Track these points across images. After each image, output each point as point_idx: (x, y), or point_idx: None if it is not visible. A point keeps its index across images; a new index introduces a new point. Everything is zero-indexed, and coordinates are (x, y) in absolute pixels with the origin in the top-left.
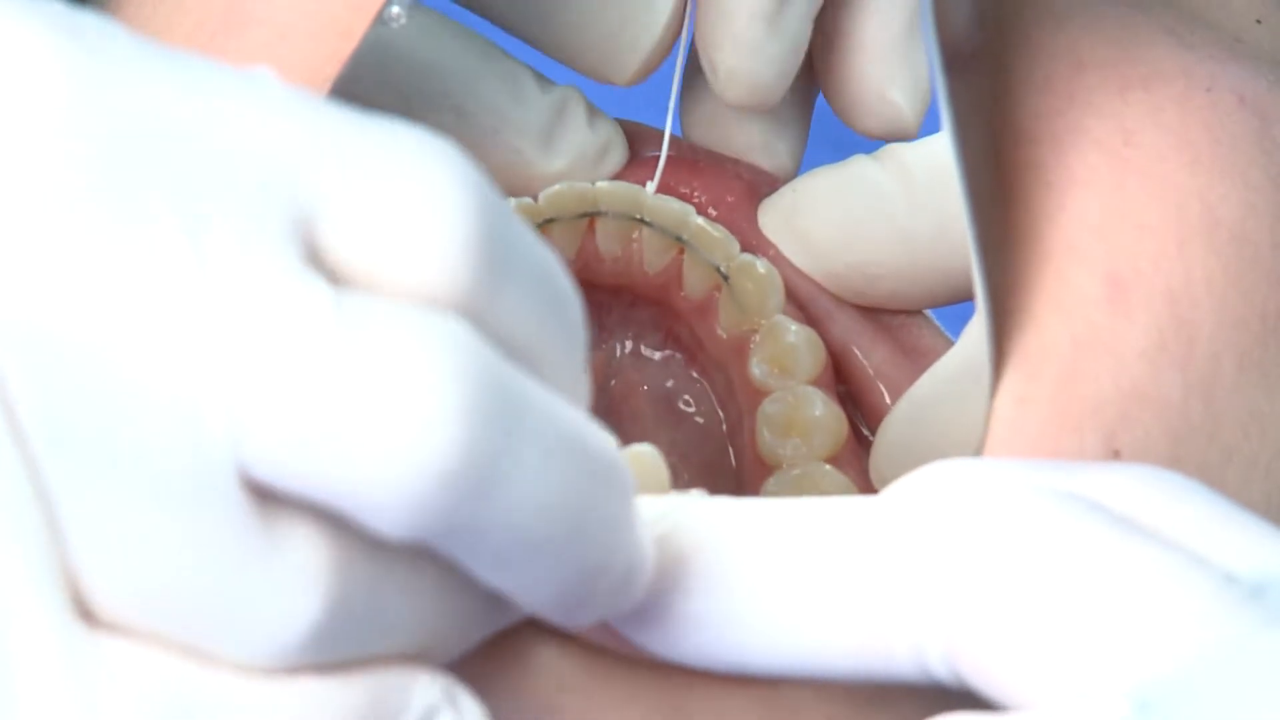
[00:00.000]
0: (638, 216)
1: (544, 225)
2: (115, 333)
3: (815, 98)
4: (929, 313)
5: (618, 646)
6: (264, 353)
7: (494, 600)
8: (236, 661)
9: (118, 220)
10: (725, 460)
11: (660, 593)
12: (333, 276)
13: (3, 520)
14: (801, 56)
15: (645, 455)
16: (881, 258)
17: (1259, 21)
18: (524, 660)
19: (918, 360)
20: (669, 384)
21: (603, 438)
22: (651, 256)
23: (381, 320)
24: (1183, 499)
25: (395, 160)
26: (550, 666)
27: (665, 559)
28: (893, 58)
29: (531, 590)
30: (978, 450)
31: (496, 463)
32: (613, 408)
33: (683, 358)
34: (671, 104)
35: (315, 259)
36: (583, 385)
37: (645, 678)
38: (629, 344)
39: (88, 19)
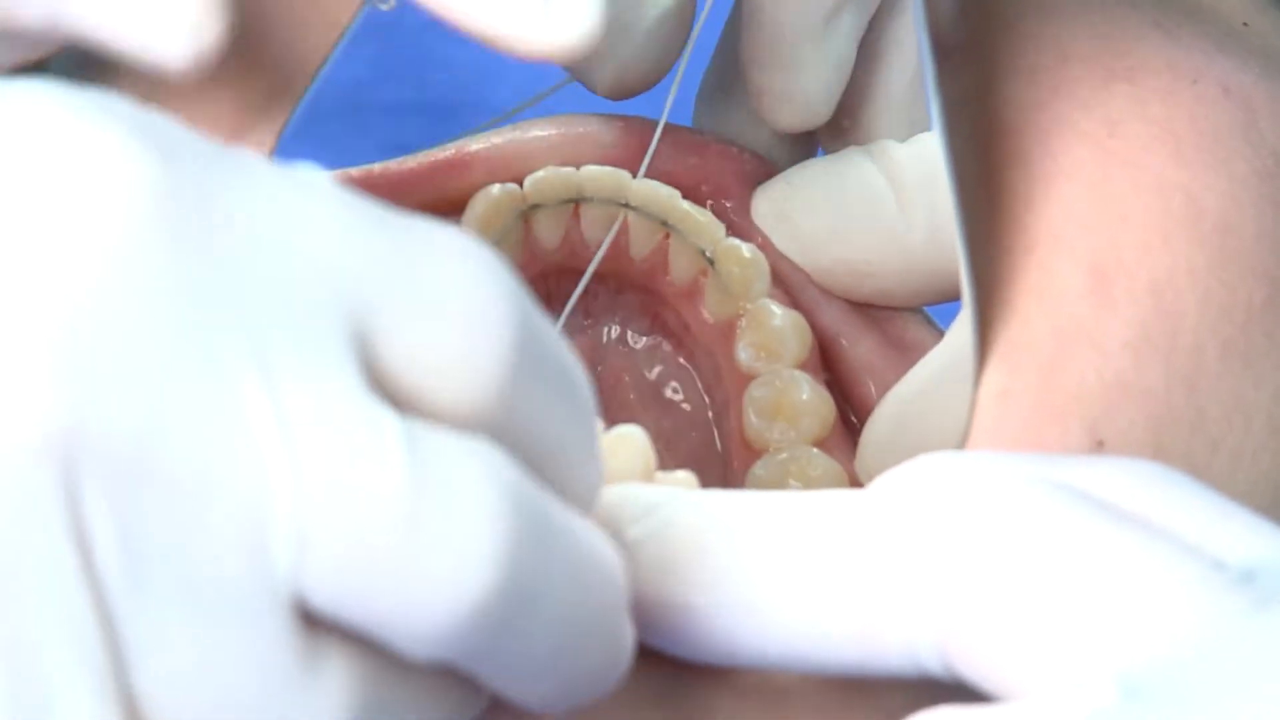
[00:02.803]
0: (623, 202)
1: (529, 211)
2: (193, 464)
3: None
4: None
5: None
6: (336, 488)
7: (479, 699)
8: None
9: (196, 350)
10: (712, 444)
11: (651, 584)
12: (385, 383)
13: (71, 648)
14: (846, 77)
15: (631, 437)
16: (870, 256)
17: (1245, 25)
18: None
19: (905, 352)
20: (656, 369)
21: (606, 543)
22: (637, 241)
23: (442, 456)
24: (1169, 489)
25: (441, 271)
26: None
27: (656, 551)
28: (898, 116)
29: (530, 693)
30: (961, 444)
31: (527, 593)
32: (600, 394)
33: (669, 343)
34: (671, 94)
35: (371, 369)
36: (597, 473)
37: (635, 663)
38: (615, 329)
39: (155, 120)
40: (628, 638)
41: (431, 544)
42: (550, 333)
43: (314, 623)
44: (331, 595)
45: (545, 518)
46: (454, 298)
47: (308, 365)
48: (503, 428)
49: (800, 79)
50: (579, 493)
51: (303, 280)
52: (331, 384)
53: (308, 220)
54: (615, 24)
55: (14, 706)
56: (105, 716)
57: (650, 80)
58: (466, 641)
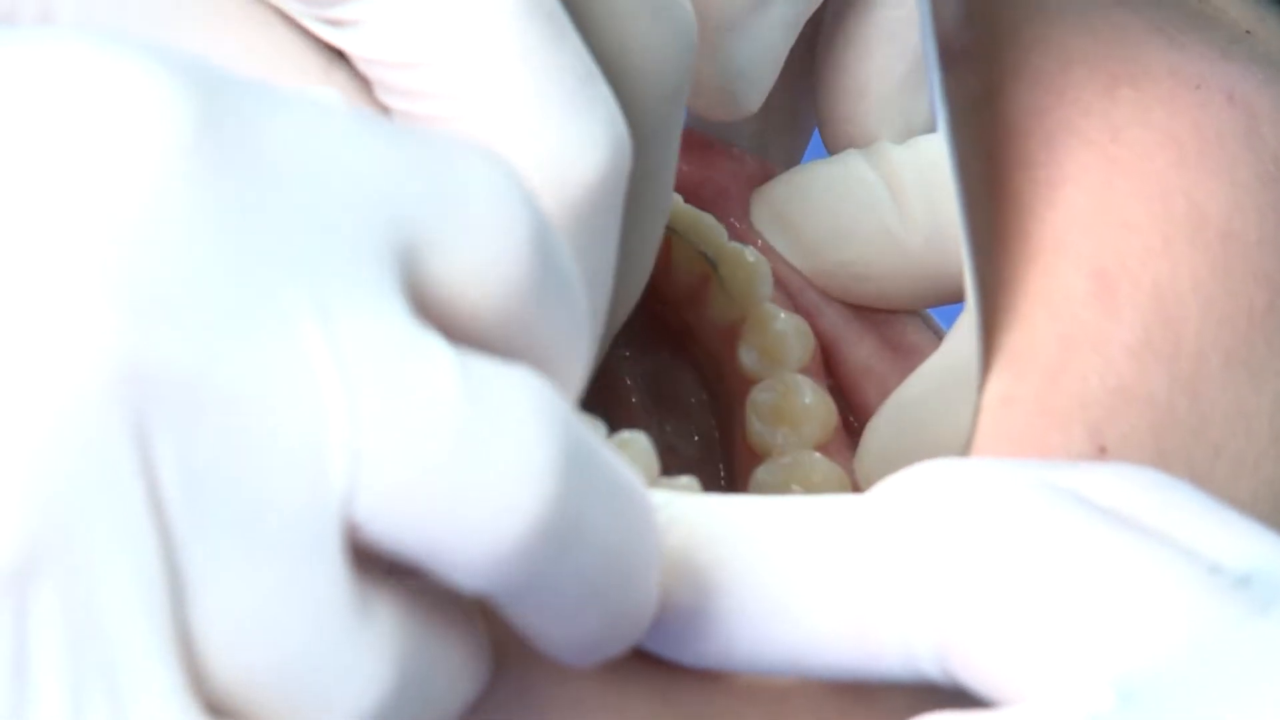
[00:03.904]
0: None
1: None
2: (251, 396)
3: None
4: None
5: None
6: (392, 415)
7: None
8: None
9: (248, 282)
10: (715, 449)
11: None
12: (425, 298)
13: (133, 581)
14: (774, 69)
15: (635, 443)
16: (868, 259)
17: (1248, 32)
18: (513, 647)
19: (905, 356)
20: (658, 373)
21: (637, 479)
22: None
23: (492, 381)
24: (1166, 494)
25: (469, 179)
26: (540, 655)
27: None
28: (891, 113)
29: (568, 634)
30: (965, 447)
31: (573, 517)
32: (602, 396)
33: (672, 347)
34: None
35: (413, 283)
36: (581, 380)
37: (633, 667)
38: (618, 332)
39: (188, 55)
40: (654, 584)
41: (489, 466)
42: (557, 235)
43: (365, 569)
44: (388, 524)
45: (585, 443)
46: (482, 202)
47: (359, 294)
48: (521, 330)
49: (713, 67)
50: (569, 383)
51: (346, 204)
52: (383, 312)
53: (343, 144)
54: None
55: (74, 646)
56: (164, 659)
57: None
58: (518, 568)
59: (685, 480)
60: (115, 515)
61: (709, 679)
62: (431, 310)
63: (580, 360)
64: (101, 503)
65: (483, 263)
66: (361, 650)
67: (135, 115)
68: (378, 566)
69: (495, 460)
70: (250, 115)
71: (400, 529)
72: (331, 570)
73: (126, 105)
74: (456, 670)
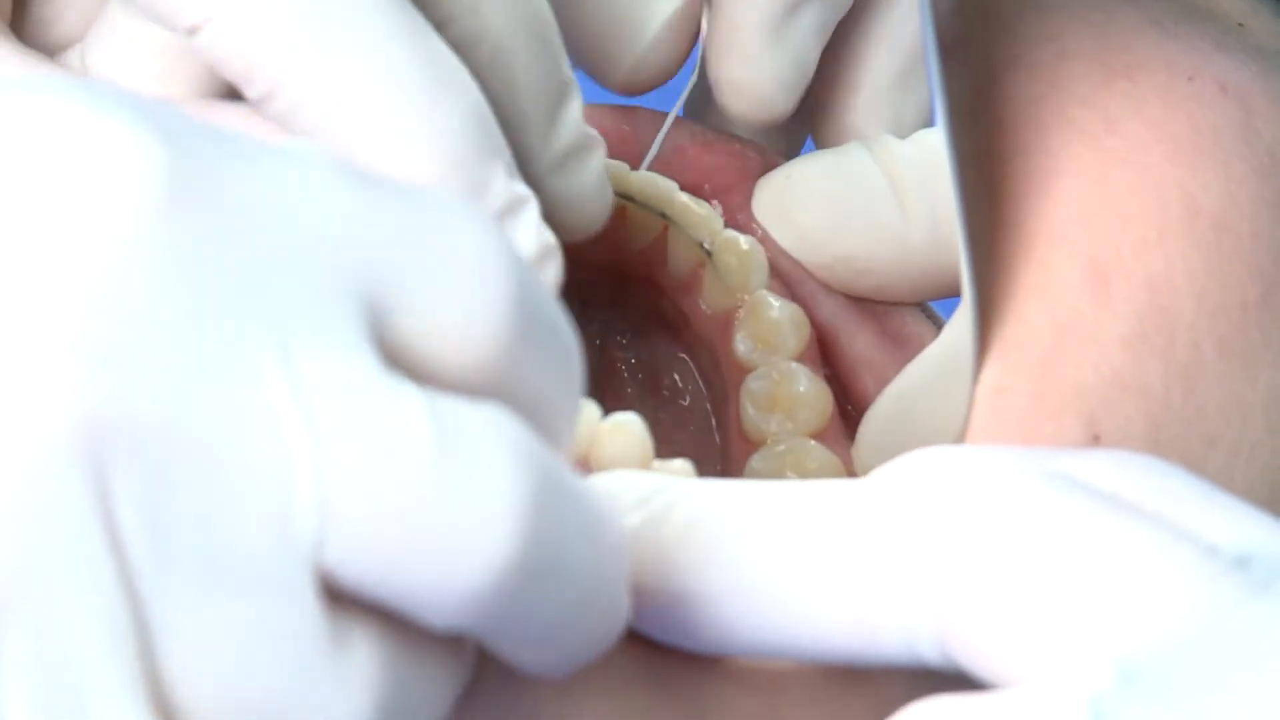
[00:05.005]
0: (622, 193)
1: None
2: (215, 445)
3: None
4: None
5: None
6: (360, 460)
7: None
8: None
9: (214, 332)
10: (710, 436)
11: (647, 571)
12: (397, 347)
13: (100, 631)
14: (808, 74)
15: (630, 425)
16: (868, 252)
17: (1241, 25)
18: None
19: (903, 346)
20: (654, 360)
21: (607, 503)
22: (636, 233)
23: (462, 423)
24: (1161, 478)
25: (445, 234)
26: None
27: (653, 539)
28: (882, 109)
29: (541, 657)
30: (959, 438)
31: (546, 555)
32: (597, 384)
33: (667, 334)
34: (687, 89)
35: (384, 335)
36: (573, 427)
37: (629, 651)
38: (614, 321)
39: (158, 106)
40: (626, 601)
41: (458, 510)
42: (544, 290)
43: (339, 603)
44: (358, 568)
45: (559, 480)
46: (460, 259)
47: (324, 341)
48: (501, 384)
49: (753, 70)
50: (560, 430)
51: (314, 256)
52: (349, 358)
53: (314, 196)
54: (628, 21)
55: (45, 692)
56: (134, 700)
57: (663, 77)
58: (490, 608)
59: (679, 464)
60: (79, 563)
61: (705, 663)
62: (413, 361)
63: (572, 412)
64: (66, 550)
65: (461, 315)
66: (338, 684)
67: (104, 166)
68: (356, 599)
69: (465, 504)
70: (221, 166)
71: (370, 574)
72: (302, 610)
73: (96, 156)
74: (442, 688)
